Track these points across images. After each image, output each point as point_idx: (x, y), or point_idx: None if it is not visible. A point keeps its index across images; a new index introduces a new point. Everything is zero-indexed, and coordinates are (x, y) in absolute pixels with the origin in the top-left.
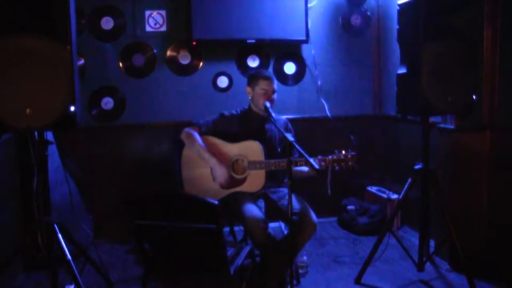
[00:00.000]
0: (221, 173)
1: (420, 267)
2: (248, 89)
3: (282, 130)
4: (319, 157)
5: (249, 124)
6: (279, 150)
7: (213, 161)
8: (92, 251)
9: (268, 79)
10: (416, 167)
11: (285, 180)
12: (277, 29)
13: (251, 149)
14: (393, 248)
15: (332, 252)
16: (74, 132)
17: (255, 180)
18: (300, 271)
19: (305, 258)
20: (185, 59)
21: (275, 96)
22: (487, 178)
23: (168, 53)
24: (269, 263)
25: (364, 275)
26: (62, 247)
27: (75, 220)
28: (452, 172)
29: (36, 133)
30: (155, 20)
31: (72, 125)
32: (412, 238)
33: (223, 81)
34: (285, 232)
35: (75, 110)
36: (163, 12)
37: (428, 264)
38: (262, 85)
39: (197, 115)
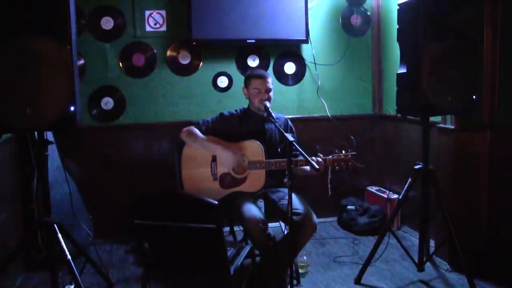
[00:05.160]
0: (229, 156)
1: (420, 267)
2: (244, 90)
3: (282, 129)
4: (319, 156)
5: (249, 124)
6: (279, 150)
7: (218, 148)
8: (92, 251)
9: (259, 77)
10: (416, 167)
11: (285, 180)
12: (277, 29)
13: (252, 149)
14: (393, 248)
15: (332, 252)
16: (74, 132)
17: (255, 180)
18: (300, 271)
19: (305, 258)
20: (185, 59)
21: (271, 94)
22: (487, 178)
23: (168, 53)
24: (269, 263)
25: (364, 275)
26: (62, 247)
27: (75, 220)
28: (452, 172)
29: (36, 133)
30: (155, 20)
31: (72, 125)
32: (412, 238)
33: (223, 81)
34: (285, 232)
35: (75, 110)
36: (163, 12)
37: (428, 264)
38: (254, 84)
39: (197, 115)
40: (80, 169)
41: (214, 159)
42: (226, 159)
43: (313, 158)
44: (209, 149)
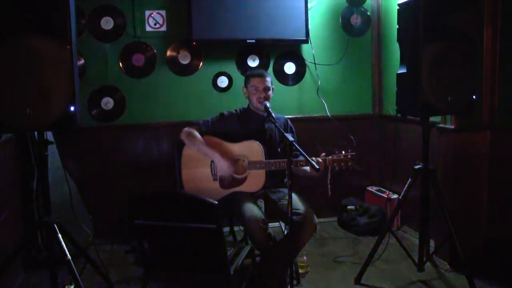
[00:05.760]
0: (224, 166)
1: (420, 267)
2: (244, 89)
3: (282, 129)
4: (321, 157)
5: (249, 124)
6: (279, 149)
7: (215, 155)
8: (92, 251)
9: (258, 76)
10: (416, 167)
11: (285, 180)
12: (277, 29)
13: (252, 149)
14: (393, 248)
15: (332, 252)
16: (74, 132)
17: (255, 180)
18: (300, 271)
19: (305, 258)
20: (185, 59)
21: (270, 93)
22: (487, 178)
23: (168, 53)
24: (269, 263)
25: (364, 275)
26: (62, 247)
27: (75, 220)
28: (452, 172)
29: (36, 133)
30: (155, 20)
31: (72, 125)
32: (412, 238)
33: (223, 81)
34: (285, 232)
35: (75, 110)
36: (163, 12)
37: (428, 264)
38: (252, 82)
39: (197, 115)
40: (80, 169)
41: None
42: (220, 168)
43: (313, 158)
44: (206, 154)
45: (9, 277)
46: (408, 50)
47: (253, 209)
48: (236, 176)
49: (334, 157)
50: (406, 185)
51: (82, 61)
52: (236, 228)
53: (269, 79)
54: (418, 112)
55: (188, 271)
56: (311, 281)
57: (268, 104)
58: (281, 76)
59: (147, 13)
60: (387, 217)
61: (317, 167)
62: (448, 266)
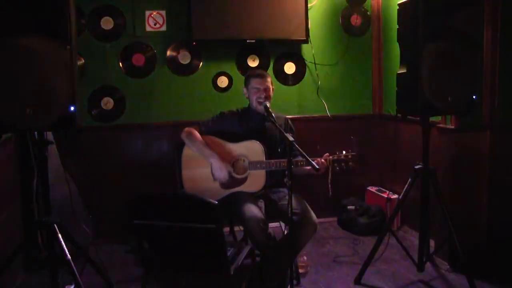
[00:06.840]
0: (221, 169)
1: (420, 267)
2: (244, 90)
3: (282, 128)
4: (323, 157)
5: (249, 123)
6: (279, 149)
7: (213, 157)
8: (92, 251)
9: (258, 76)
10: (416, 167)
11: (285, 180)
12: (277, 29)
13: (252, 149)
14: (393, 248)
15: (332, 252)
16: (74, 132)
17: (255, 180)
18: (300, 271)
19: (305, 258)
20: (185, 59)
21: (270, 92)
22: (487, 178)
23: (168, 53)
24: (269, 263)
25: (364, 275)
26: (62, 247)
27: (75, 220)
28: (452, 172)
29: (36, 133)
30: (155, 20)
31: (72, 125)
32: (412, 238)
33: (223, 81)
34: (285, 232)
35: (74, 110)
36: (163, 12)
37: (428, 264)
38: (253, 83)
39: (197, 115)
40: (80, 169)
41: None
42: (218, 171)
43: (314, 159)
44: (203, 155)
45: (9, 277)
46: (408, 50)
47: (253, 210)
48: (236, 176)
49: (335, 157)
50: (406, 185)
51: (82, 61)
52: (236, 228)
53: (269, 79)
54: (418, 112)
55: (188, 271)
56: (311, 281)
57: (268, 105)
58: (281, 76)
59: (147, 13)
60: (387, 217)
61: (317, 167)
62: (448, 266)
